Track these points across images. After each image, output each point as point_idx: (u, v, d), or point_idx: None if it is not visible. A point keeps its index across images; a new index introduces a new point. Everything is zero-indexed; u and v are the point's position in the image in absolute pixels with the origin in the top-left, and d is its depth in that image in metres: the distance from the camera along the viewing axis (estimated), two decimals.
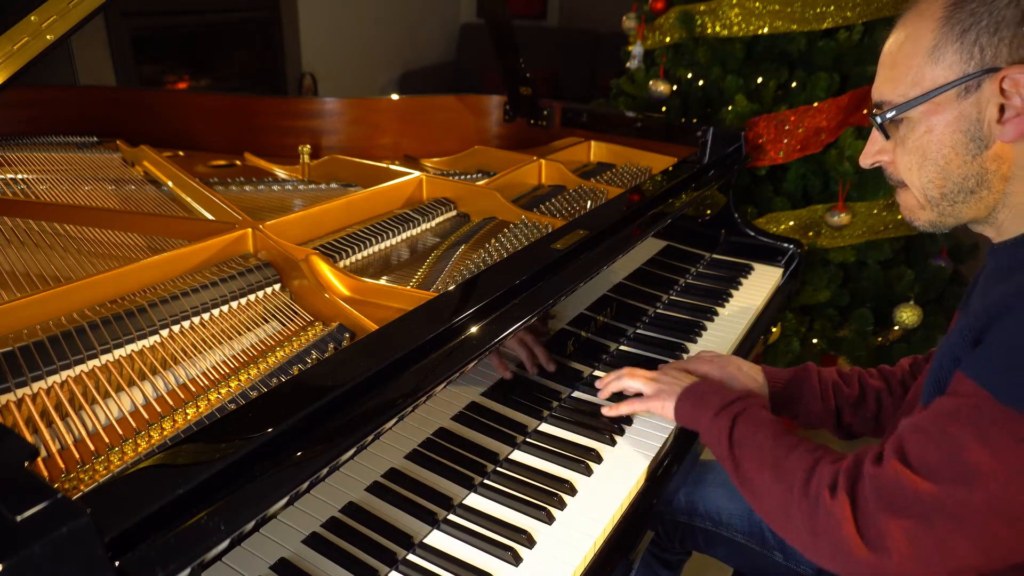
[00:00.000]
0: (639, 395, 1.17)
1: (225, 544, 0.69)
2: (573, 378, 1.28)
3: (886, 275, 2.21)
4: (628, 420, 1.20)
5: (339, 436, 0.80)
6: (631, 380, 1.17)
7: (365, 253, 1.37)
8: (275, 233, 1.25)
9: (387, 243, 1.41)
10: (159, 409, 0.90)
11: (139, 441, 0.84)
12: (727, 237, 1.87)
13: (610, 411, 1.18)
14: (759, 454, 0.94)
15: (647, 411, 1.16)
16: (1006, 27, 0.79)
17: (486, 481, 1.05)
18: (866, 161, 0.95)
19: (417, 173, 1.62)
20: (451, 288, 1.07)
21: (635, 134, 1.97)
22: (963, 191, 0.86)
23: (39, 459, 0.79)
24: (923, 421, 0.79)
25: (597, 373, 1.33)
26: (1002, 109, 0.80)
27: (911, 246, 2.25)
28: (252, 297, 1.15)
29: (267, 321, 1.11)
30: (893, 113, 0.86)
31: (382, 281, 1.24)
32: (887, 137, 0.90)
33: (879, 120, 0.89)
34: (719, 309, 1.58)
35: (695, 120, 2.30)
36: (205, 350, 1.02)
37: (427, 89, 5.47)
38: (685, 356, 1.38)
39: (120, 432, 0.86)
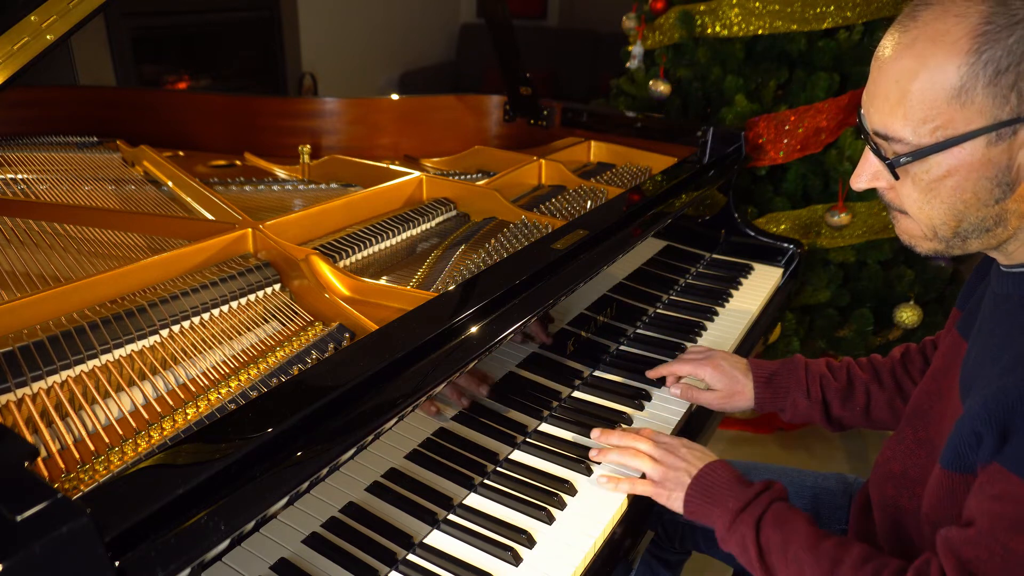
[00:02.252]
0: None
1: (225, 544, 0.69)
2: (573, 378, 1.28)
3: (886, 275, 2.21)
4: (628, 420, 1.20)
5: (339, 436, 0.80)
6: (634, 459, 1.04)
7: (365, 253, 1.37)
8: (275, 233, 1.25)
9: (387, 243, 1.41)
10: (159, 409, 0.90)
11: (139, 441, 0.84)
12: (727, 237, 1.87)
13: (600, 453, 1.08)
14: (798, 572, 0.85)
15: (646, 491, 1.02)
16: None
17: (486, 481, 1.05)
18: (859, 184, 0.86)
19: (417, 173, 1.62)
20: (451, 288, 1.08)
21: (635, 134, 1.97)
22: (978, 230, 0.79)
23: (39, 459, 0.79)
24: (978, 536, 0.73)
25: (597, 373, 1.33)
26: None
27: None
28: (252, 297, 1.15)
29: (267, 321, 1.11)
30: (908, 159, 0.77)
31: (382, 281, 1.24)
32: (896, 177, 0.81)
33: (888, 163, 0.79)
34: (719, 309, 1.58)
35: (695, 120, 2.30)
36: (205, 350, 1.02)
37: (427, 89, 5.47)
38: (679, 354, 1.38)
39: (120, 432, 0.86)
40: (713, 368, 1.23)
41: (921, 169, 0.78)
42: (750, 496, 0.94)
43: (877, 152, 0.82)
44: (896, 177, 0.81)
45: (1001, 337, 0.82)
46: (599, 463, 1.09)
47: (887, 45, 0.78)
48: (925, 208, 0.80)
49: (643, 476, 1.04)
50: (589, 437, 1.14)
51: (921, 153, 0.76)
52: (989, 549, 0.72)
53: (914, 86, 0.75)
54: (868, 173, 0.85)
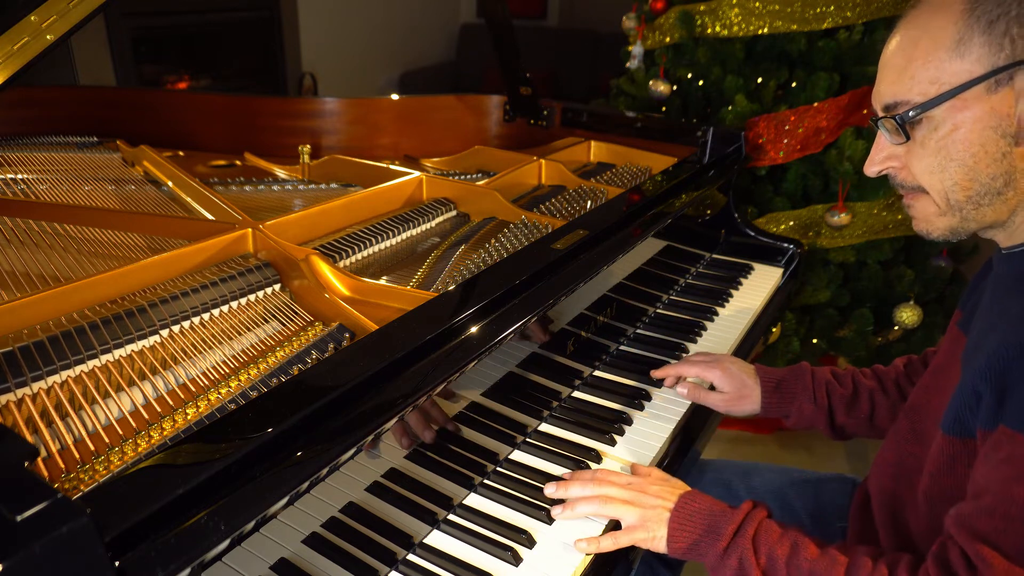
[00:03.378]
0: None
1: (225, 544, 0.69)
2: (573, 378, 1.28)
3: (886, 275, 2.21)
4: (628, 420, 1.20)
5: (339, 436, 0.80)
6: (606, 506, 0.95)
7: (365, 253, 1.37)
8: (275, 233, 1.25)
9: (387, 243, 1.41)
10: (159, 409, 0.90)
11: (139, 441, 0.84)
12: (727, 237, 1.87)
13: (565, 507, 0.97)
14: None
15: (630, 539, 0.95)
16: None
17: (486, 481, 1.05)
18: (873, 169, 0.89)
19: (417, 173, 1.62)
20: (451, 288, 1.08)
21: (635, 134, 1.97)
22: (990, 192, 0.82)
23: (39, 459, 0.79)
24: (993, 503, 0.73)
25: (597, 373, 1.33)
26: None
27: (911, 246, 2.25)
28: (252, 297, 1.15)
29: (267, 321, 1.11)
30: (916, 112, 0.81)
31: (382, 281, 1.24)
32: (907, 138, 0.84)
33: (898, 120, 0.83)
34: (719, 309, 1.58)
35: (695, 120, 2.30)
36: (205, 350, 1.02)
37: (427, 89, 5.47)
38: (684, 357, 1.38)
39: (120, 432, 0.86)
40: (722, 372, 1.23)
41: (929, 128, 0.82)
42: (740, 516, 0.90)
43: (894, 119, 0.84)
44: (907, 137, 0.84)
45: (1000, 313, 0.83)
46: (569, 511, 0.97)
47: (893, 35, 0.85)
48: (938, 173, 0.83)
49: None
50: (588, 438, 1.14)
51: (928, 105, 0.80)
52: (1005, 514, 0.71)
53: (918, 50, 0.81)
54: (880, 156, 0.88)
